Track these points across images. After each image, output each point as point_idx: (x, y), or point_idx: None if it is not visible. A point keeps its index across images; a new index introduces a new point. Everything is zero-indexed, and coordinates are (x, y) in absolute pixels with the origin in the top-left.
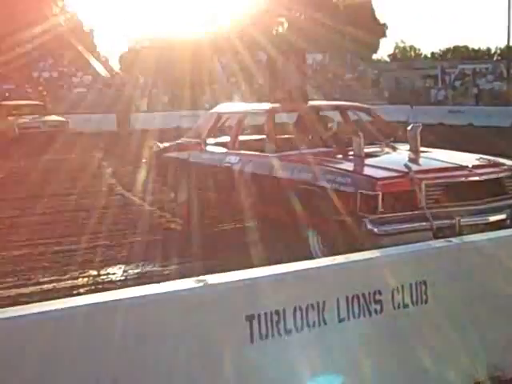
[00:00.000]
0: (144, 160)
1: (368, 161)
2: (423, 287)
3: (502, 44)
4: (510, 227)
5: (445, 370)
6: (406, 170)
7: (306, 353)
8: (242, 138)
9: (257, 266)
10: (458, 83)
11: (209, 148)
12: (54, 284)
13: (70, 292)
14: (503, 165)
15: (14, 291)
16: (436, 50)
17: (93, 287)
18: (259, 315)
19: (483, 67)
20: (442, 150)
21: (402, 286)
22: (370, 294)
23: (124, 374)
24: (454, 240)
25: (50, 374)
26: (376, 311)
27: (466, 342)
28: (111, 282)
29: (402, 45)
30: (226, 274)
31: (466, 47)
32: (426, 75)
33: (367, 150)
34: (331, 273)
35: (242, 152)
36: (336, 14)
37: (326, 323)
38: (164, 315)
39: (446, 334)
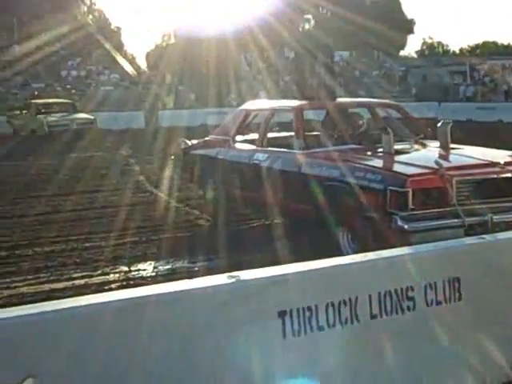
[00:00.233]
0: (172, 157)
1: (398, 157)
2: (456, 284)
3: None
4: None
5: (477, 369)
6: (436, 166)
7: (339, 349)
8: (270, 135)
9: (285, 263)
10: (487, 79)
11: (237, 145)
12: (86, 280)
13: (101, 288)
14: None
15: (47, 286)
16: (464, 46)
17: (124, 283)
18: (291, 311)
19: None
20: (473, 147)
21: (435, 283)
22: (402, 290)
23: (154, 369)
24: (487, 237)
25: (80, 368)
26: (408, 308)
27: (499, 340)
28: (142, 278)
29: (429, 41)
30: (258, 270)
31: (494, 43)
32: (454, 71)
33: (397, 146)
34: (363, 269)
35: (271, 149)
36: (363, 10)
37: (358, 320)
38: (196, 311)
39: (479, 331)
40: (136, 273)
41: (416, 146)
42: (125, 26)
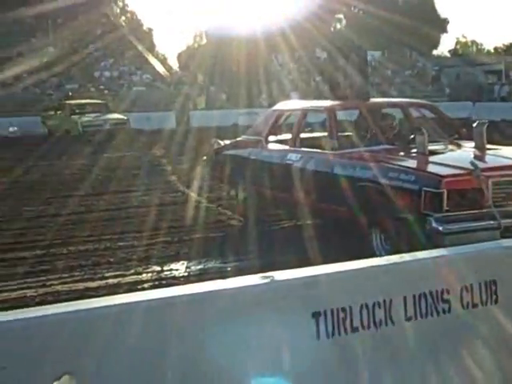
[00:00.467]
0: (204, 157)
1: (432, 158)
2: (493, 287)
3: None
4: None
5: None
6: (471, 167)
7: (373, 351)
8: (302, 135)
9: (317, 264)
10: None
11: (269, 145)
12: (119, 279)
13: (134, 287)
14: None
15: (81, 285)
16: (499, 45)
17: (156, 282)
18: (325, 312)
19: None
20: (509, 147)
21: (471, 286)
22: (437, 292)
23: (186, 369)
24: None
25: (113, 365)
26: (444, 310)
27: None
28: (174, 277)
29: (463, 40)
30: (292, 270)
31: None
32: (488, 71)
33: (431, 147)
34: (398, 271)
35: (303, 149)
36: (395, 9)
37: (392, 322)
38: (229, 311)
39: None
40: (168, 272)
41: (451, 147)
42: (157, 27)
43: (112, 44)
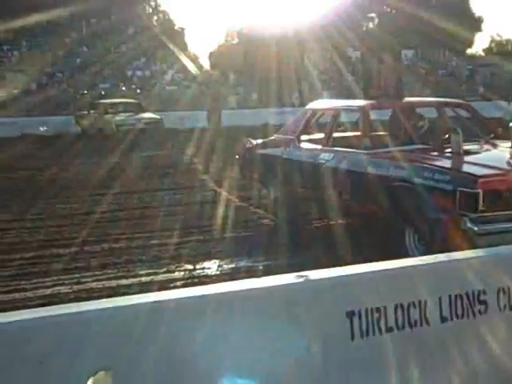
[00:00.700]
0: (237, 156)
1: (467, 158)
2: None
3: None
4: None
5: None
6: (508, 167)
7: (408, 352)
8: (336, 134)
9: (350, 264)
10: None
11: (302, 145)
12: (152, 277)
13: (166, 285)
14: None
15: (114, 282)
16: None
17: (188, 281)
18: (360, 311)
19: None
20: None
21: (508, 288)
22: (473, 293)
23: (218, 366)
24: None
25: (148, 362)
26: (480, 312)
27: None
28: (206, 276)
29: (498, 38)
30: (326, 269)
31: None
32: None
33: (466, 147)
34: (433, 271)
35: (336, 149)
36: (428, 7)
37: (427, 322)
38: (263, 310)
39: None
40: (201, 271)
41: (486, 147)
42: (189, 27)
43: (144, 44)
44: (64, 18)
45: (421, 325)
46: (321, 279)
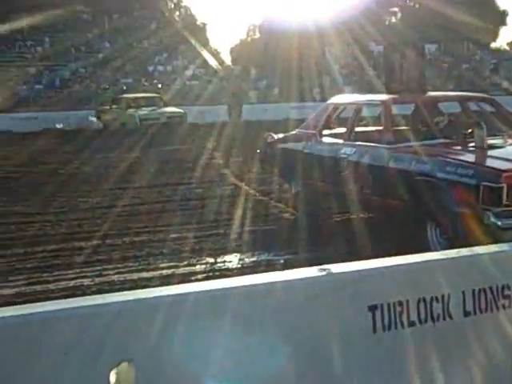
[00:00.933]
0: (258, 150)
1: (491, 152)
2: None
3: None
4: None
5: None
6: None
7: (430, 346)
8: (358, 129)
9: (372, 258)
10: None
11: (324, 139)
12: (173, 270)
13: (187, 278)
14: None
15: (135, 275)
16: None
17: (210, 274)
18: (382, 305)
19: None
20: None
21: None
22: (497, 288)
23: (237, 360)
24: None
25: (168, 353)
26: (504, 306)
27: None
28: (227, 269)
29: None
30: (349, 263)
31: None
32: None
33: (490, 141)
34: (456, 265)
35: (358, 143)
36: (452, 1)
37: (451, 317)
38: (285, 303)
39: None
40: (221, 264)
41: (510, 141)
42: (210, 22)
43: (166, 39)
44: (86, 13)
45: (444, 319)
46: (343, 273)
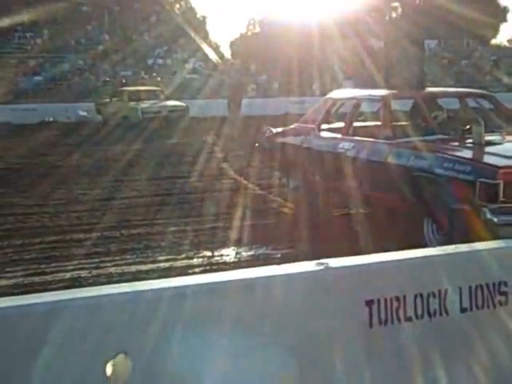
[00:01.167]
0: (256, 144)
1: (489, 149)
2: None
3: None
4: None
5: None
6: None
7: (426, 341)
8: (356, 124)
9: (369, 253)
10: None
11: (322, 134)
12: (171, 263)
13: (185, 271)
14: None
15: (133, 268)
16: None
17: (207, 267)
18: (379, 300)
19: None
20: None
21: None
22: (494, 285)
23: (237, 353)
24: None
25: (166, 347)
26: (500, 303)
27: None
28: (225, 263)
29: None
30: (346, 258)
31: None
32: None
33: (488, 137)
34: (454, 261)
35: (357, 138)
36: None
37: (447, 313)
38: (282, 297)
39: None
40: (219, 258)
41: (508, 138)
42: (210, 15)
43: (166, 32)
44: (86, 6)
45: (440, 314)
46: (341, 267)
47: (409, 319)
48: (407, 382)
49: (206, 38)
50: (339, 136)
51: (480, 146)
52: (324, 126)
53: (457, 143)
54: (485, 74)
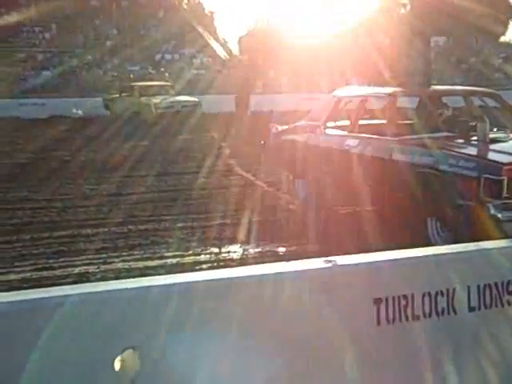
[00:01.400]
0: (262, 142)
1: (493, 146)
2: None
3: None
4: None
5: None
6: None
7: (434, 340)
8: (362, 122)
9: (376, 250)
10: None
11: (328, 131)
12: (178, 259)
13: (192, 267)
14: None
15: (141, 264)
16: None
17: (214, 264)
18: (387, 299)
19: None
20: None
21: None
22: (503, 284)
23: (246, 349)
24: None
25: (175, 342)
26: (509, 302)
27: None
28: (232, 259)
29: None
30: (354, 255)
31: None
32: None
33: (492, 135)
34: (462, 260)
35: (362, 135)
36: None
37: (455, 312)
38: (291, 294)
39: None
40: (226, 254)
41: None
42: (218, 11)
43: (174, 27)
44: (95, 0)
45: (448, 313)
46: (348, 265)
47: (417, 318)
48: (415, 381)
49: (213, 33)
50: (345, 133)
51: (485, 144)
52: (329, 124)
53: (461, 140)
54: (494, 71)
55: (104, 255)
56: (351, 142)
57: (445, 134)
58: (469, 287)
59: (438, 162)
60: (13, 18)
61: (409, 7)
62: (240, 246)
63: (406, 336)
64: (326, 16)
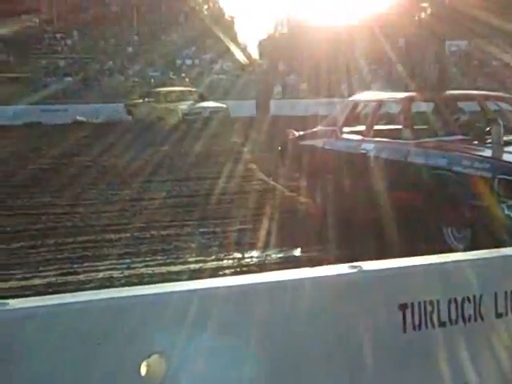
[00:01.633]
0: (279, 148)
1: (507, 148)
2: None
3: None
4: None
5: None
6: None
7: (460, 347)
8: (378, 127)
9: (391, 254)
10: None
11: (344, 136)
12: (201, 264)
13: (215, 273)
14: None
15: (164, 269)
16: None
17: (237, 269)
18: (413, 304)
19: None
20: None
21: None
22: None
23: (268, 354)
24: None
25: (199, 346)
26: None
27: None
28: (255, 265)
29: None
30: (380, 261)
31: None
32: None
33: (507, 138)
34: (489, 266)
35: (378, 139)
36: None
37: (482, 318)
38: (315, 300)
39: None
40: (249, 260)
41: None
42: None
43: (194, 32)
44: (115, 6)
45: (475, 320)
46: (374, 270)
47: (443, 324)
48: None
49: (234, 38)
50: (360, 137)
51: (499, 146)
52: (346, 129)
53: (476, 143)
54: None
55: (127, 260)
56: (367, 146)
57: (459, 137)
58: (496, 293)
59: (452, 163)
60: (35, 24)
61: (429, 11)
62: (262, 252)
63: (433, 343)
64: (345, 20)
